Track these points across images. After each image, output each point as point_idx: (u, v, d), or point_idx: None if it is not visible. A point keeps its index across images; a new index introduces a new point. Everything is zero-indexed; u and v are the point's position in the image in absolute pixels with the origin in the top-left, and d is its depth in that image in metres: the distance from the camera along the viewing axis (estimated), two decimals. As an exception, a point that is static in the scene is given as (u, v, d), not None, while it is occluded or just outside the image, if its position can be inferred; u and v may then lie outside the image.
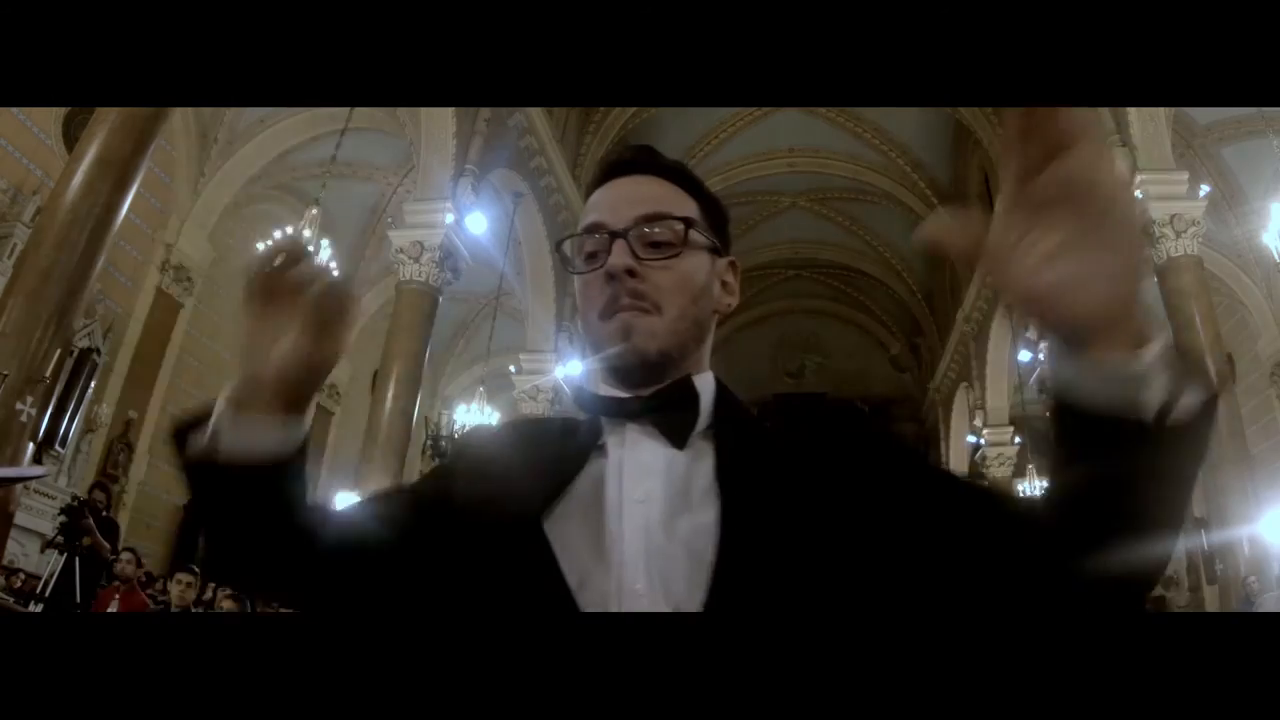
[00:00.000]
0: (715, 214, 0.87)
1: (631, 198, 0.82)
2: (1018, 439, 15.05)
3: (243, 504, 0.70)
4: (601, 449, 0.77)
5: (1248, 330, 12.40)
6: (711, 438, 0.76)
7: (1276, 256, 7.40)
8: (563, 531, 0.71)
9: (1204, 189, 8.94)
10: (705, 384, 0.81)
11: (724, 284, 0.86)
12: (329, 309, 0.70)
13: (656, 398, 0.77)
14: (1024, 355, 12.62)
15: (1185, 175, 8.69)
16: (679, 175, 0.86)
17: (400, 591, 0.76)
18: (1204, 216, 8.57)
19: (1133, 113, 8.65)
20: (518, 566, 0.69)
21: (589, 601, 0.66)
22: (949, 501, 0.70)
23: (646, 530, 0.69)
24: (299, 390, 0.71)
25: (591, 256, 0.81)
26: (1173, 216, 8.42)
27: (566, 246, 0.84)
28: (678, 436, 0.75)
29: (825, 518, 0.67)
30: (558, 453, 0.78)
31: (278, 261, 0.70)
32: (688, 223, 0.80)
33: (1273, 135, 8.92)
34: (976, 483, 0.74)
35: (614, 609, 0.66)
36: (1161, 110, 8.59)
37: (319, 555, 0.73)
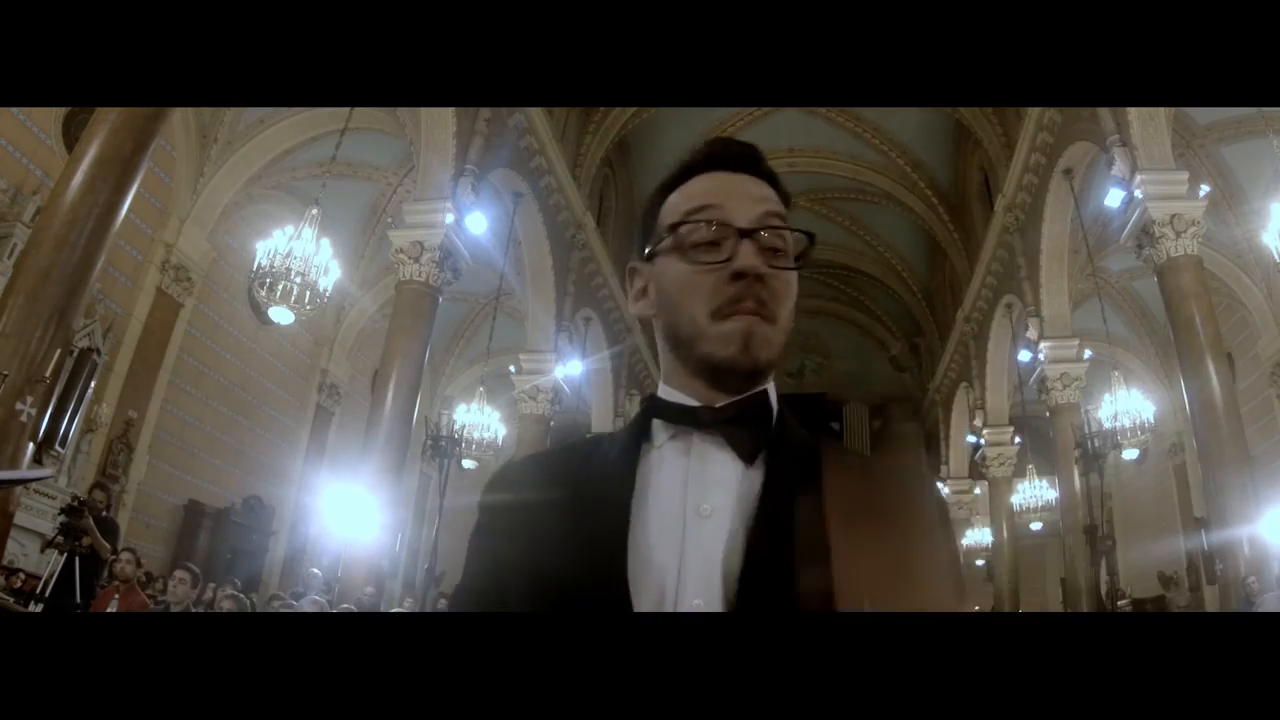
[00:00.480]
0: (806, 231, 0.84)
1: (752, 195, 0.78)
2: (1018, 439, 15.04)
3: None
4: (656, 453, 0.75)
5: (1248, 330, 12.40)
6: (768, 457, 0.74)
7: (1276, 256, 7.39)
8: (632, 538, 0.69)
9: (1204, 189, 8.93)
10: (774, 399, 0.78)
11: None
12: None
13: (732, 409, 0.74)
14: (1024, 355, 12.62)
15: (1185, 175, 8.68)
16: (777, 182, 0.82)
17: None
18: (1204, 216, 8.57)
19: (1133, 113, 8.64)
20: (595, 579, 0.68)
21: (643, 601, 0.66)
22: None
23: (708, 544, 0.68)
24: None
25: (707, 247, 0.75)
26: (1173, 216, 8.41)
27: (679, 231, 0.77)
28: (748, 451, 0.73)
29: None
30: (613, 466, 0.75)
31: None
32: (810, 237, 0.78)
33: (1273, 135, 8.91)
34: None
35: (671, 607, 0.66)
36: (1161, 110, 8.58)
37: None
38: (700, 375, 0.76)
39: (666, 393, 0.78)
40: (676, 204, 0.79)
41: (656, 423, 0.77)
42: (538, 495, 0.78)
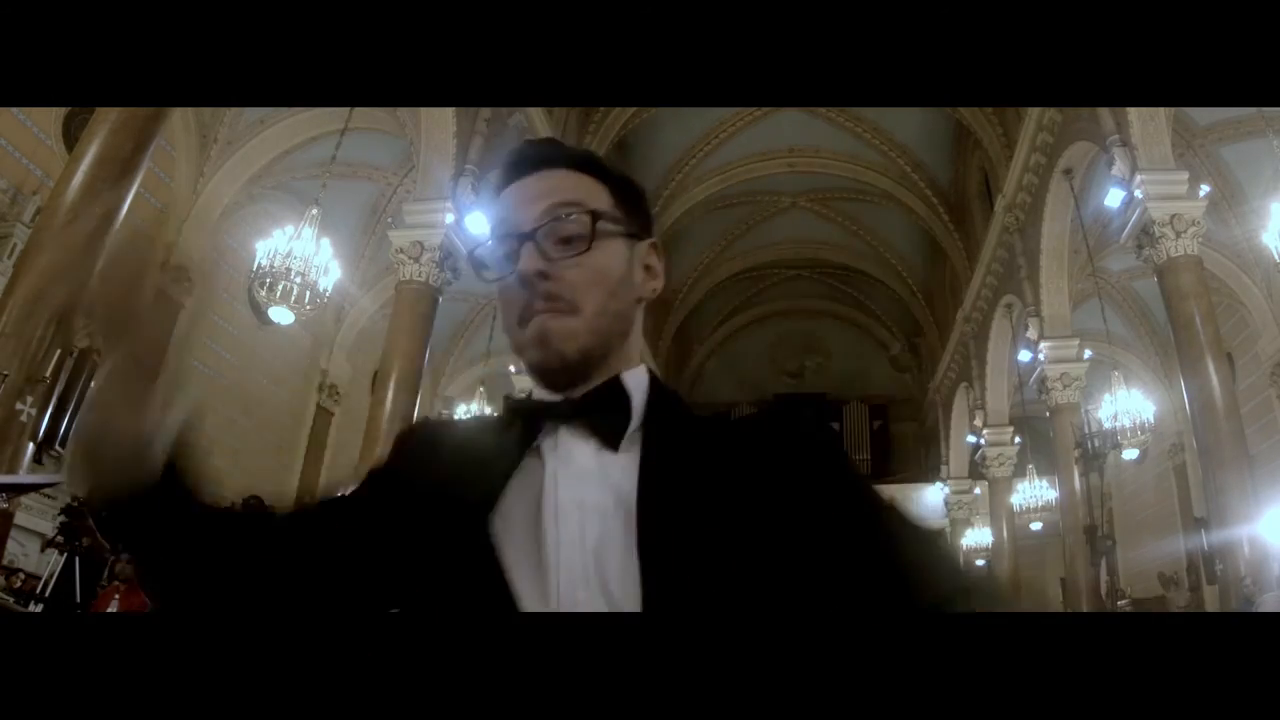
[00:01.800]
0: (630, 197, 0.83)
1: (536, 194, 0.79)
2: (1018, 439, 15.04)
3: (132, 532, 0.74)
4: (536, 450, 0.76)
5: (1248, 330, 12.40)
6: (640, 438, 0.74)
7: (1276, 256, 7.39)
8: (504, 536, 0.70)
9: (1204, 189, 8.93)
10: (637, 381, 0.78)
11: (647, 268, 0.83)
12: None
13: (586, 399, 0.75)
14: (1024, 355, 12.62)
15: (1185, 175, 8.68)
16: (586, 163, 0.82)
17: (342, 589, 0.75)
18: (1204, 216, 8.56)
19: (1133, 113, 8.64)
20: (464, 572, 0.69)
21: (530, 607, 0.66)
22: (844, 522, 0.70)
23: (583, 536, 0.68)
24: (100, 447, 0.72)
25: (504, 261, 0.78)
26: (1173, 216, 8.41)
27: (482, 256, 0.80)
28: (611, 439, 0.73)
29: (734, 522, 0.67)
30: (495, 452, 0.76)
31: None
32: (595, 215, 0.77)
33: (1273, 135, 8.91)
34: (880, 512, 0.73)
35: (554, 588, 0.66)
36: (1161, 110, 8.57)
37: (238, 561, 0.74)
38: (538, 379, 0.78)
39: (538, 393, 0.80)
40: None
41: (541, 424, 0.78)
42: (443, 446, 0.80)
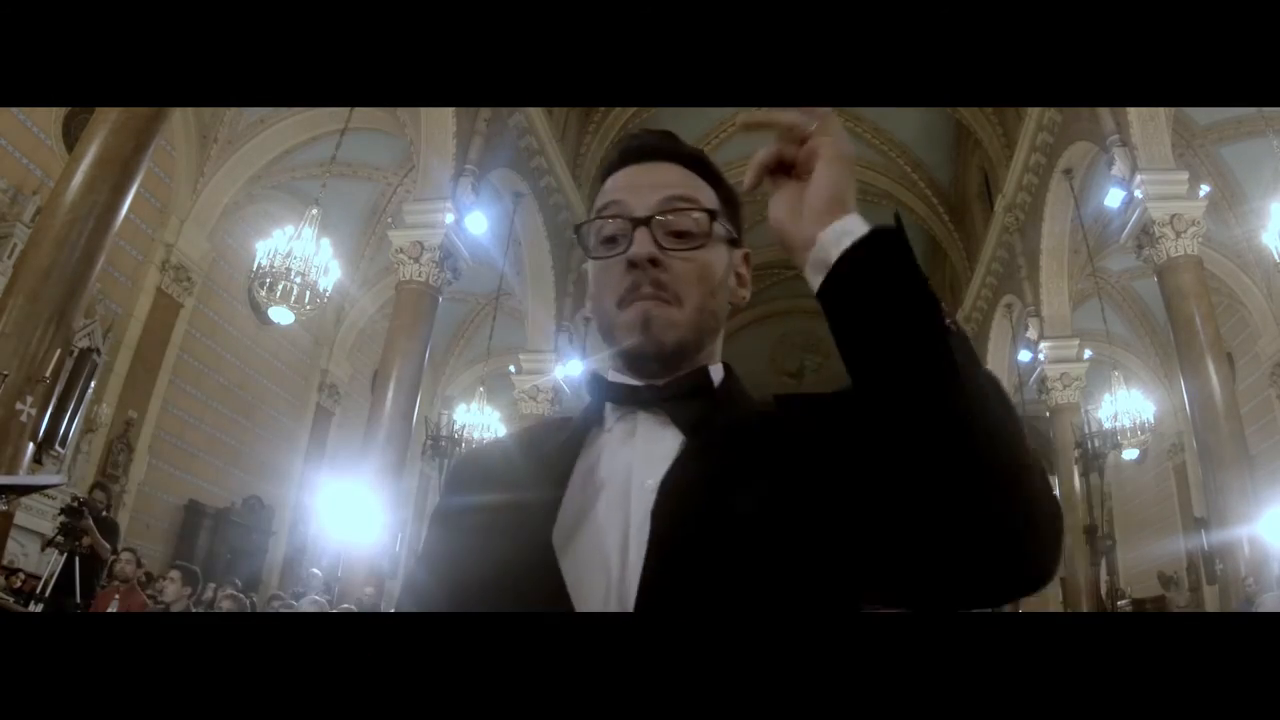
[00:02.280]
0: (733, 204, 0.85)
1: (654, 183, 0.80)
2: (1018, 439, 15.01)
3: None
4: (600, 430, 0.77)
5: (1248, 330, 12.40)
6: (711, 429, 0.75)
7: (1276, 256, 7.39)
8: (577, 520, 0.70)
9: (1204, 189, 8.94)
10: (717, 375, 0.80)
11: (739, 276, 0.85)
12: None
13: (672, 387, 0.76)
14: (1024, 355, 12.62)
15: (1185, 175, 8.68)
16: (699, 163, 0.84)
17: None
18: (1204, 216, 8.57)
19: (1133, 113, 8.64)
20: (527, 586, 0.67)
21: (594, 594, 0.66)
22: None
23: (658, 516, 0.68)
24: None
25: (610, 241, 0.79)
26: (1173, 216, 8.41)
27: (586, 232, 0.81)
28: (689, 426, 0.74)
29: (791, 513, 0.67)
30: (555, 452, 0.76)
31: None
32: (712, 214, 0.79)
33: (1273, 135, 8.91)
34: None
35: (619, 596, 0.65)
36: (1161, 110, 8.58)
37: None
38: (626, 363, 0.78)
39: (611, 375, 0.80)
40: (595, 203, 0.83)
41: (608, 405, 0.79)
42: (487, 480, 0.79)
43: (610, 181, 0.83)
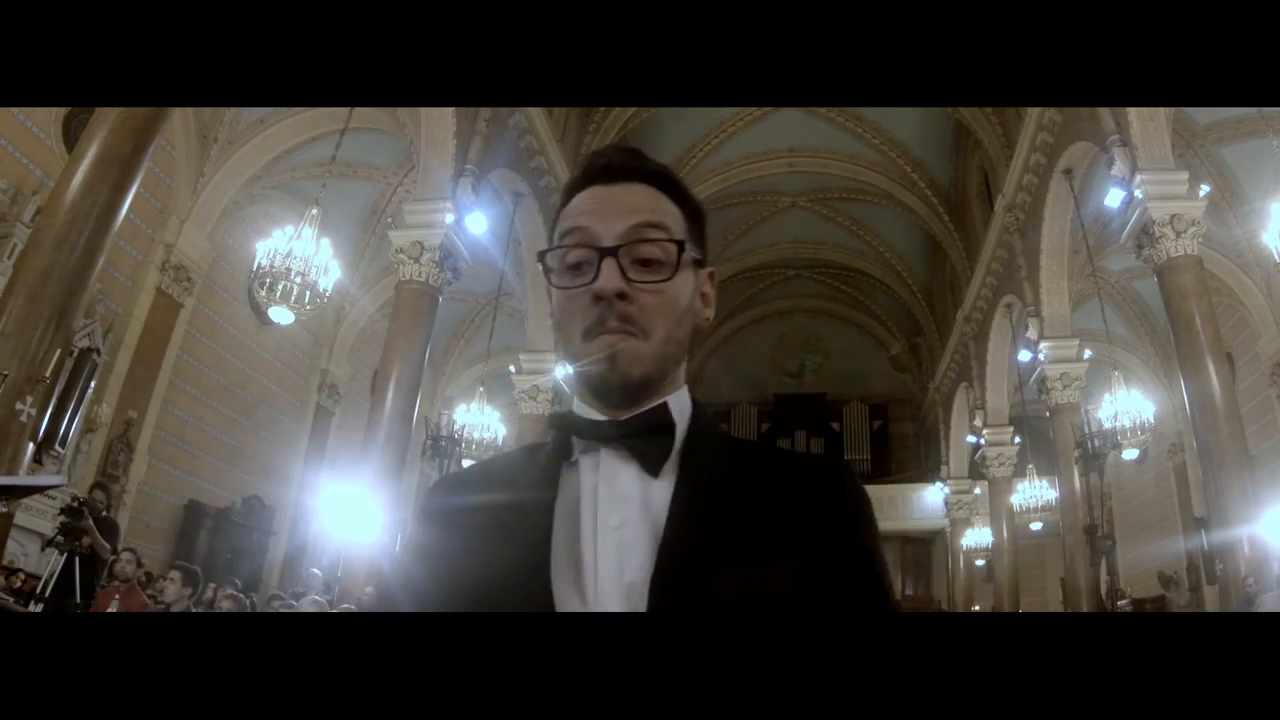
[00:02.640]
0: (698, 220, 0.84)
1: (622, 207, 0.77)
2: (1018, 439, 15.04)
3: None
4: (574, 466, 0.77)
5: (1248, 330, 12.40)
6: (678, 464, 0.76)
7: (1276, 256, 7.38)
8: (551, 557, 0.72)
9: (1204, 189, 8.93)
10: (680, 406, 0.79)
11: (703, 295, 0.84)
12: None
13: (633, 423, 0.76)
14: (1024, 355, 12.61)
15: (1185, 175, 8.67)
16: (665, 181, 0.82)
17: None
18: (1204, 216, 8.56)
19: (1133, 113, 8.64)
20: (519, 595, 0.70)
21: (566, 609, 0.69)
22: (832, 571, 0.70)
23: (619, 556, 0.70)
24: None
25: (576, 269, 0.77)
26: (1173, 216, 8.41)
27: (549, 257, 0.79)
28: (653, 464, 0.74)
29: (751, 553, 0.68)
30: (537, 480, 0.77)
31: None
32: (681, 245, 0.77)
33: (1273, 135, 8.91)
34: (869, 576, 0.73)
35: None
36: (1161, 110, 8.57)
37: None
38: (591, 395, 0.77)
39: (577, 407, 0.80)
40: (559, 225, 0.81)
41: (574, 438, 0.78)
42: (469, 505, 0.79)
43: (575, 203, 0.80)
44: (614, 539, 0.70)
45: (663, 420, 0.76)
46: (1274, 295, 11.84)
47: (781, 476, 0.76)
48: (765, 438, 20.06)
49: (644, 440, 0.75)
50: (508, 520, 0.75)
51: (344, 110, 9.32)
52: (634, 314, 0.74)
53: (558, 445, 0.79)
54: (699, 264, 0.82)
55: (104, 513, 6.46)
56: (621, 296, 0.74)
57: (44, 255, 5.39)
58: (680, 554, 0.68)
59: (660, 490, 0.73)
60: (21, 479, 4.79)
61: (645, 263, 0.76)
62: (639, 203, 0.78)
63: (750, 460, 0.78)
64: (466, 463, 11.35)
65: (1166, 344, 12.46)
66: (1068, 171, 10.62)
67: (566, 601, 0.69)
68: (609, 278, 0.74)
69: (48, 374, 5.70)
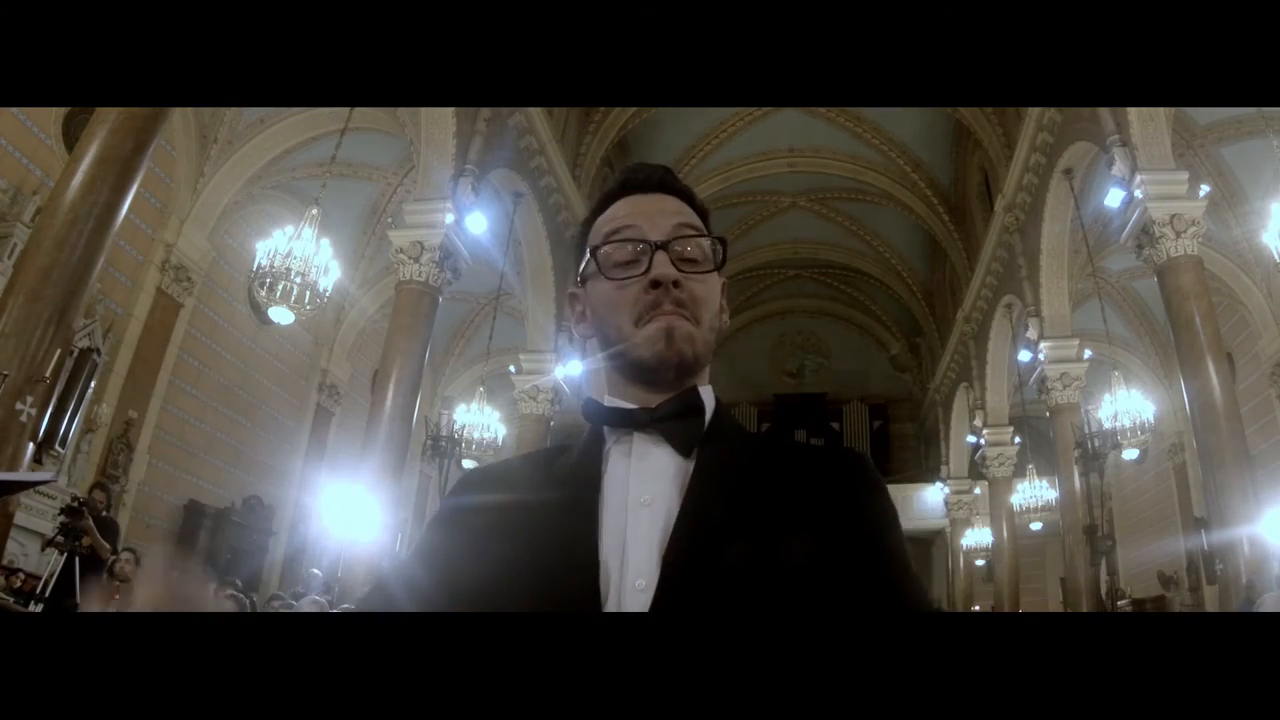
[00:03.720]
0: (719, 238, 0.90)
1: (665, 211, 0.85)
2: (1017, 439, 15.04)
3: None
4: (607, 455, 0.81)
5: (1248, 330, 12.40)
6: (702, 447, 0.80)
7: (1276, 256, 7.38)
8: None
9: (1204, 189, 8.92)
10: (708, 397, 0.84)
11: (722, 304, 0.90)
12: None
13: (666, 407, 0.81)
14: (1024, 355, 12.61)
15: (1185, 175, 8.67)
16: (692, 199, 0.89)
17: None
18: (1204, 216, 8.56)
19: (1133, 113, 8.64)
20: (565, 587, 0.72)
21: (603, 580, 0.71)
22: (849, 560, 0.72)
23: (650, 530, 0.73)
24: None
25: (625, 265, 0.83)
26: (1173, 216, 8.41)
27: (603, 254, 0.84)
28: (685, 445, 0.79)
29: (762, 535, 0.71)
30: (575, 467, 0.81)
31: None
32: (720, 242, 0.85)
33: (1273, 135, 8.91)
34: (888, 566, 0.75)
35: (616, 603, 0.70)
36: (1161, 110, 8.57)
37: None
38: (635, 379, 0.83)
39: (609, 401, 0.85)
40: (599, 229, 0.87)
41: (606, 429, 0.83)
42: (503, 498, 0.83)
43: (616, 208, 0.87)
44: (645, 514, 0.75)
45: (695, 403, 0.82)
46: (1274, 295, 11.84)
47: (799, 461, 0.81)
48: (765, 438, 20.03)
49: (677, 422, 0.80)
50: (556, 511, 0.78)
51: (344, 110, 9.32)
52: (686, 300, 0.81)
53: (593, 437, 0.83)
54: (719, 272, 0.89)
55: (104, 513, 6.46)
56: (676, 284, 0.80)
57: (44, 255, 5.38)
58: (696, 526, 0.72)
59: (690, 469, 0.78)
60: (12, 474, 4.78)
61: (689, 260, 0.83)
62: (677, 208, 0.87)
63: (769, 448, 0.83)
64: (467, 463, 11.35)
65: (1166, 344, 12.45)
66: (1068, 171, 10.62)
67: (605, 572, 0.72)
68: (663, 265, 0.81)
69: (48, 374, 5.70)
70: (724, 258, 0.89)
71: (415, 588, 0.79)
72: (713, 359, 0.87)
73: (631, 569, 0.71)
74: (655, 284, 0.80)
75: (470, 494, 0.86)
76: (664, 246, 0.82)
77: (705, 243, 0.85)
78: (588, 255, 0.86)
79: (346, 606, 7.34)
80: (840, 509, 0.75)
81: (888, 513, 0.79)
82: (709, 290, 0.83)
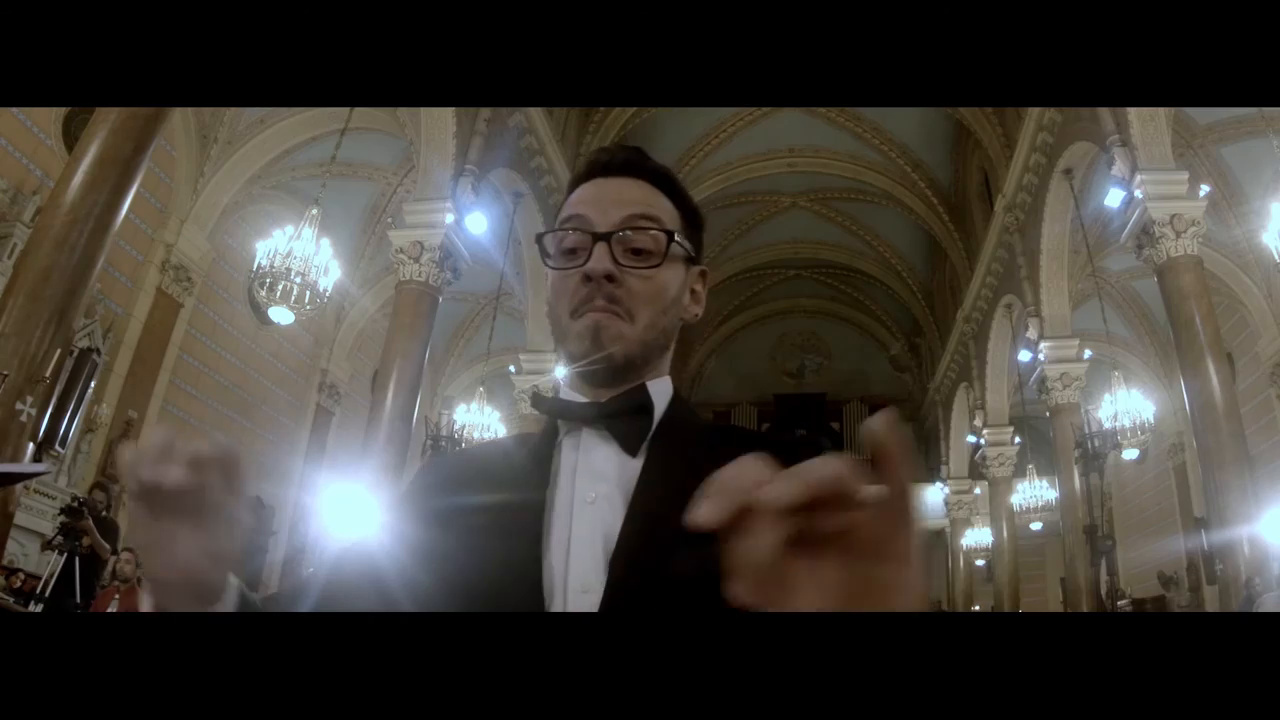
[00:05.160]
0: (694, 221, 0.88)
1: (618, 199, 0.82)
2: (1017, 439, 15.05)
3: None
4: (558, 448, 0.80)
5: (1248, 330, 12.40)
6: (651, 444, 0.78)
7: (1276, 256, 7.38)
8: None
9: (1204, 189, 8.93)
10: (661, 391, 0.82)
11: (693, 292, 0.88)
12: (217, 491, 0.62)
13: (612, 404, 0.79)
14: (1024, 355, 12.62)
15: (1185, 175, 8.68)
16: (665, 180, 0.86)
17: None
18: (1204, 216, 8.56)
19: (1133, 113, 8.64)
20: (511, 576, 0.71)
21: (541, 599, 0.70)
22: None
23: (593, 528, 0.72)
24: (208, 584, 0.66)
25: (570, 253, 0.81)
26: (1173, 216, 8.41)
27: (547, 240, 0.84)
28: (631, 443, 0.77)
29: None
30: (530, 460, 0.80)
31: (155, 469, 0.60)
32: (670, 235, 0.81)
33: (1273, 135, 8.91)
34: None
35: (560, 605, 0.69)
36: (1161, 110, 8.57)
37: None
38: (575, 373, 0.81)
39: (565, 393, 0.83)
40: (561, 212, 0.85)
41: (559, 421, 0.82)
42: (462, 486, 0.81)
43: (576, 193, 0.85)
44: (589, 513, 0.73)
45: (641, 401, 0.79)
46: (1274, 295, 11.84)
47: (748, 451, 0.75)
48: (765, 438, 20.02)
49: (623, 420, 0.78)
50: (502, 505, 0.76)
51: (344, 110, 9.32)
52: (620, 296, 0.78)
53: (548, 429, 0.82)
54: (691, 261, 0.86)
55: (104, 513, 6.46)
56: (609, 278, 0.78)
57: (44, 255, 5.39)
58: (644, 526, 0.70)
59: (633, 469, 0.76)
60: (7, 465, 4.78)
61: (637, 251, 0.80)
62: (636, 196, 0.83)
63: (720, 439, 0.79)
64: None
65: (1166, 344, 12.46)
66: (1068, 171, 10.62)
67: (550, 573, 0.71)
68: (599, 260, 0.78)
69: (48, 374, 5.70)
70: (696, 248, 0.86)
71: (361, 579, 0.77)
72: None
73: (575, 569, 0.70)
74: (586, 277, 0.78)
75: (432, 479, 0.85)
76: (605, 238, 0.79)
77: (660, 235, 0.81)
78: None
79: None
80: None
81: None
82: (654, 285, 0.80)
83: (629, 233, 0.80)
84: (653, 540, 0.68)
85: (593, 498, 0.74)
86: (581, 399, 0.81)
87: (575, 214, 0.82)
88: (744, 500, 0.45)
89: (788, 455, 0.73)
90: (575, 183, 0.87)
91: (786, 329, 22.87)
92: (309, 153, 11.27)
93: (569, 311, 0.79)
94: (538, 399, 0.84)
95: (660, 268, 0.80)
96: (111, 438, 9.80)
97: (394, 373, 8.85)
